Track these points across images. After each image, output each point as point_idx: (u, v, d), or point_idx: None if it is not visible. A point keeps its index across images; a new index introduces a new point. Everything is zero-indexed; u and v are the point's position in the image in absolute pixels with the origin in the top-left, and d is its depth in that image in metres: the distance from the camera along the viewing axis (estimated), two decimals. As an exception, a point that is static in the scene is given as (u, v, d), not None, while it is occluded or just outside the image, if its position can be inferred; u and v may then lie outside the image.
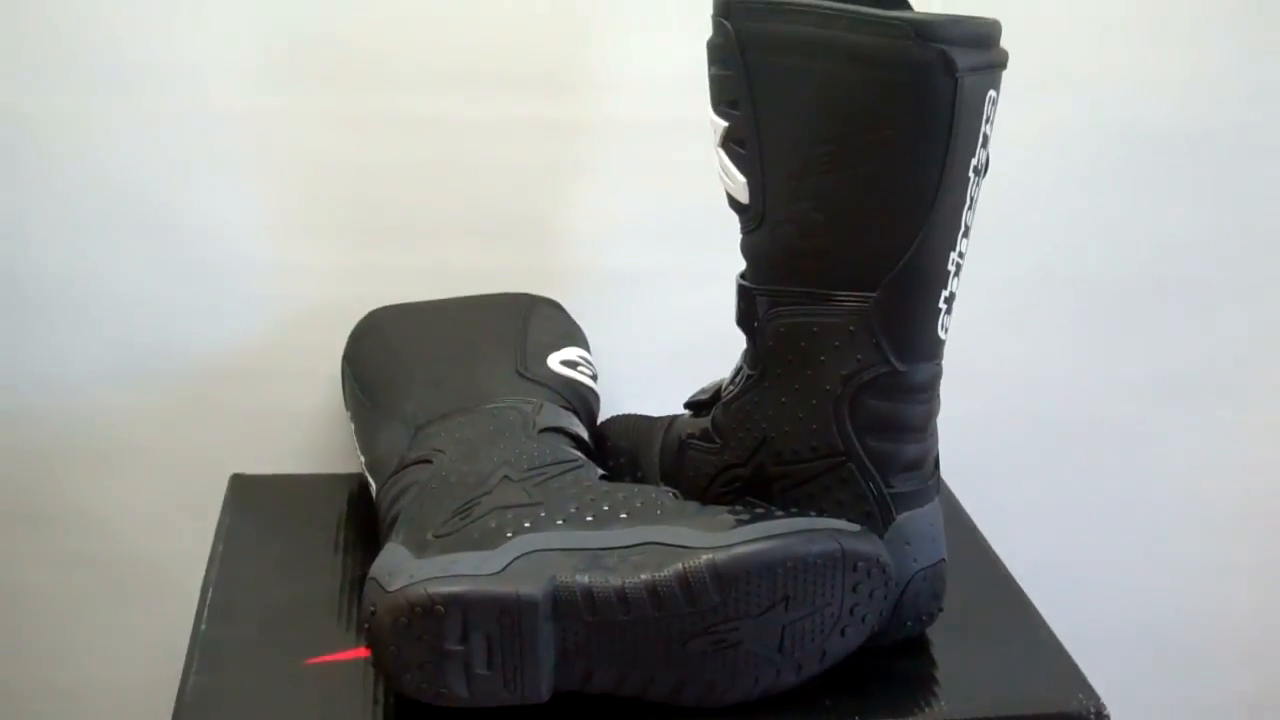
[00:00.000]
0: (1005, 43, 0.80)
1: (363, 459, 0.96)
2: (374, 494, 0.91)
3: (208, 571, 0.93)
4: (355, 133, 1.08)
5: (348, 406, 1.03)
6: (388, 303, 1.08)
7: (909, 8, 0.83)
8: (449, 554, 0.77)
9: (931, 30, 0.76)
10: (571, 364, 1.01)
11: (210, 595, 0.90)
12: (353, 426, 1.00)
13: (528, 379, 0.97)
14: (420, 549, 0.78)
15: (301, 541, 0.97)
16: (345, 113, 1.08)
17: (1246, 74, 1.14)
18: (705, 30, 0.83)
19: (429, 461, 0.87)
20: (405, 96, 1.08)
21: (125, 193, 1.07)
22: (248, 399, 1.13)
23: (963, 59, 0.76)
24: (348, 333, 1.06)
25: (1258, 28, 1.13)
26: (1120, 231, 1.17)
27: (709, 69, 0.84)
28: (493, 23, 1.07)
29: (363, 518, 0.98)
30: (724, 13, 0.82)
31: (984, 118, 0.79)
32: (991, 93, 0.79)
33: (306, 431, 1.13)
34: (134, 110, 1.05)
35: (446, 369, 0.98)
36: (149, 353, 1.11)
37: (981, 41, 0.78)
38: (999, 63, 0.80)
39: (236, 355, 1.12)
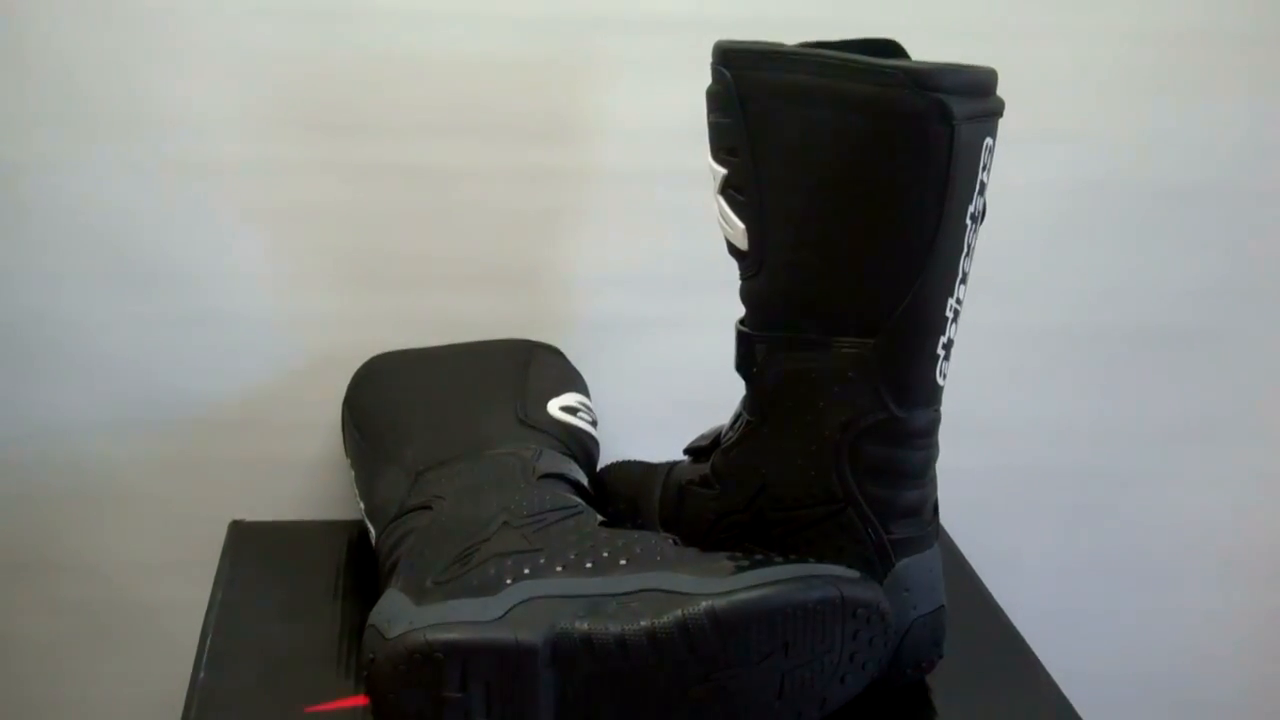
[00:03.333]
0: (1003, 91, 0.81)
1: (362, 505, 0.96)
2: (373, 541, 0.91)
3: (206, 619, 0.93)
4: (353, 181, 1.09)
5: (347, 453, 1.03)
6: (388, 350, 1.08)
7: (906, 56, 0.84)
8: (448, 601, 0.77)
9: (928, 79, 0.76)
10: (571, 410, 1.01)
11: (209, 642, 0.90)
12: (352, 473, 1.01)
13: (528, 425, 0.97)
14: (420, 596, 0.78)
15: (301, 588, 0.97)
16: (342, 161, 1.08)
17: (1248, 126, 1.14)
18: (704, 78, 0.84)
19: (428, 508, 0.87)
20: (403, 145, 1.09)
21: (123, 242, 1.08)
22: (247, 446, 1.13)
23: (959, 107, 0.77)
24: (348, 380, 1.07)
25: (1259, 82, 1.13)
26: (1121, 281, 1.18)
27: (708, 116, 0.85)
28: (491, 72, 1.07)
29: (362, 564, 0.98)
30: (723, 61, 0.83)
31: (981, 165, 0.80)
32: (988, 140, 0.80)
33: (306, 478, 1.13)
34: (132, 160, 1.06)
35: (446, 415, 0.99)
36: (148, 401, 1.12)
37: (978, 90, 0.79)
38: (995, 111, 0.80)
39: (236, 403, 1.12)
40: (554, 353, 1.09)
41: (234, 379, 1.12)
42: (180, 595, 1.03)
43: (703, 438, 0.94)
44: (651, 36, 1.07)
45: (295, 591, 0.97)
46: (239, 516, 1.08)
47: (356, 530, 1.02)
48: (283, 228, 1.09)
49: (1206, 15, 1.11)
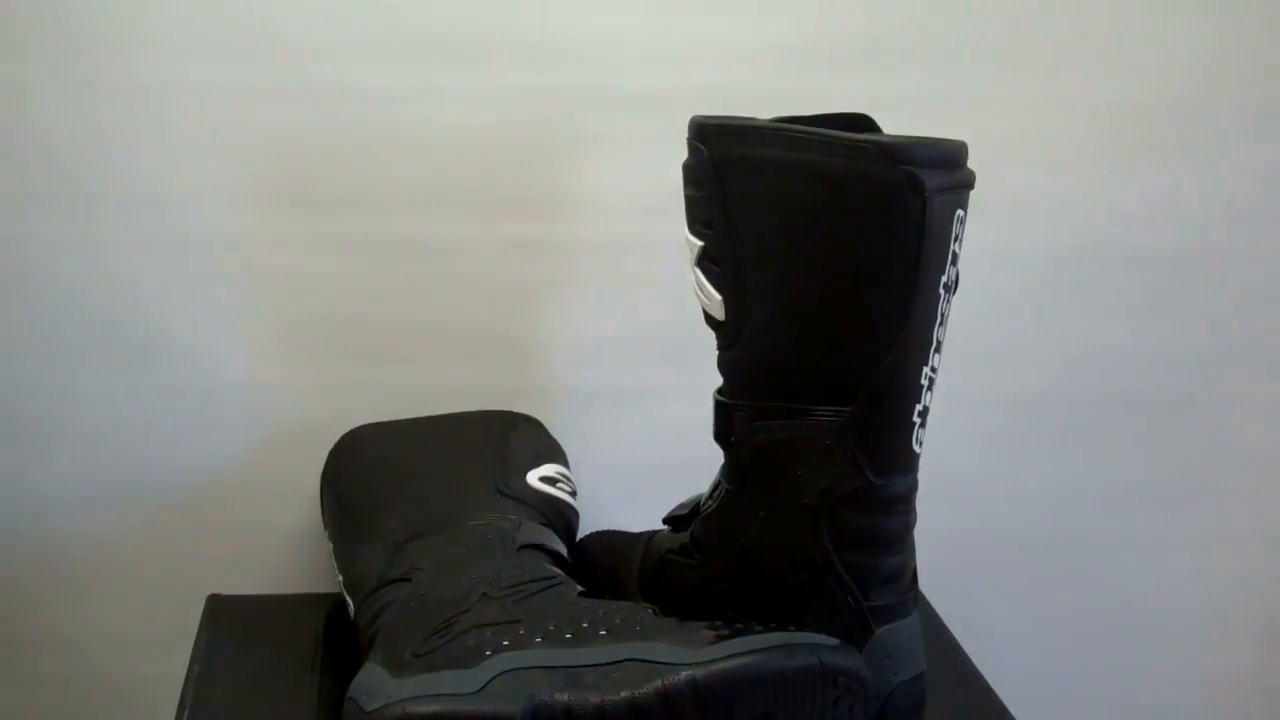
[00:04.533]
0: (974, 163, 0.82)
1: (341, 578, 0.96)
2: (352, 613, 0.91)
3: (184, 693, 0.92)
4: (335, 254, 1.09)
5: (326, 525, 1.03)
6: (367, 421, 1.08)
7: (879, 130, 0.85)
8: (427, 673, 0.77)
9: (900, 152, 0.78)
10: (551, 480, 1.01)
11: (186, 717, 0.89)
12: (331, 545, 1.00)
13: (507, 496, 0.97)
14: (399, 668, 0.78)
15: (279, 662, 0.97)
16: (325, 234, 1.09)
17: (1213, 195, 1.16)
18: (680, 152, 0.86)
19: (408, 580, 0.87)
20: (385, 219, 1.09)
21: (103, 316, 1.08)
22: (226, 519, 1.13)
23: (931, 180, 0.78)
24: (327, 452, 1.07)
25: (1226, 149, 1.15)
26: (1090, 348, 1.19)
27: (685, 190, 0.86)
28: (472, 146, 1.08)
29: (341, 638, 0.97)
30: (699, 136, 0.84)
31: (953, 236, 0.81)
32: (960, 212, 0.81)
33: (285, 551, 1.13)
34: (115, 234, 1.07)
35: (426, 487, 0.99)
36: (126, 475, 1.11)
37: (949, 163, 0.80)
38: (967, 183, 0.82)
39: (215, 476, 1.12)
40: (534, 424, 1.10)
41: (213, 451, 1.12)
42: (158, 670, 1.02)
43: (682, 506, 0.94)
44: (631, 112, 1.08)
45: (273, 665, 0.96)
46: (217, 590, 1.07)
47: (335, 603, 1.01)
48: (264, 300, 1.10)
49: (1168, 85, 1.13)
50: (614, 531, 1.01)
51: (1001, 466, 1.21)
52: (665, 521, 0.95)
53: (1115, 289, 1.17)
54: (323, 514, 1.05)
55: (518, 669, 0.76)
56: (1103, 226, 1.16)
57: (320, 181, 1.08)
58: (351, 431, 1.07)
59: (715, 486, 0.89)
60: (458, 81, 1.07)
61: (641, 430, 1.15)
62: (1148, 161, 1.15)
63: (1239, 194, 1.16)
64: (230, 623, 1.03)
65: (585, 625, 0.79)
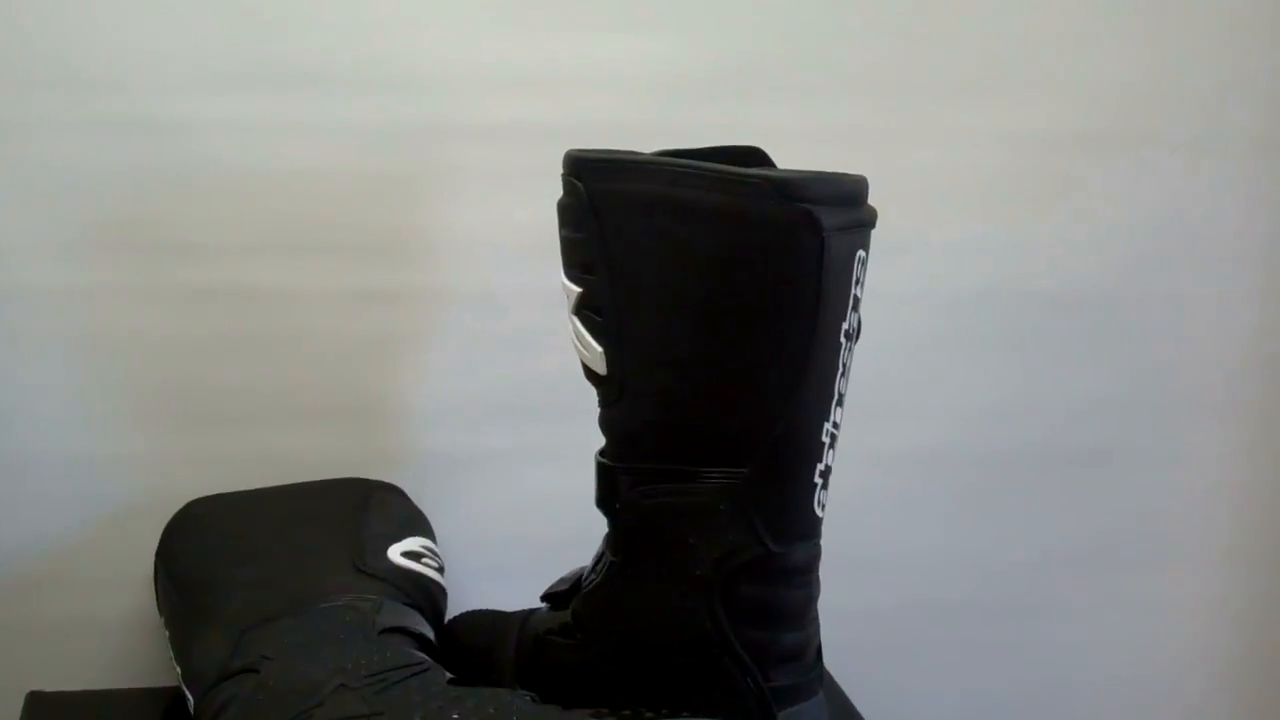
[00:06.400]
0: (874, 200, 0.83)
1: (179, 670, 0.94)
2: (192, 709, 0.89)
3: (-2, 807, 0.91)
4: (168, 307, 1.08)
5: (161, 611, 1.02)
6: (205, 494, 1.07)
7: (771, 164, 0.87)
8: (279, 776, 0.76)
9: (794, 188, 0.78)
10: (415, 555, 1.00)
11: (2, 834, 0.88)
12: (167, 633, 0.99)
13: (366, 574, 0.97)
14: (246, 771, 0.77)
15: (109, 768, 0.95)
16: (152, 285, 1.08)
17: (1136, 234, 1.19)
18: (553, 190, 0.86)
19: (254, 670, 0.86)
20: (223, 266, 1.09)
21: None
22: (48, 606, 1.11)
23: (828, 218, 0.79)
24: (161, 528, 1.05)
25: (1149, 183, 1.19)
26: (1004, 398, 1.21)
27: (560, 231, 0.86)
28: (322, 184, 1.08)
29: (179, 737, 0.96)
30: (574, 171, 0.84)
31: (854, 279, 0.82)
32: (861, 253, 0.82)
33: (115, 641, 1.11)
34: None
35: (273, 565, 0.98)
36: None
37: (848, 199, 0.81)
38: (868, 221, 0.83)
39: (35, 559, 1.10)
40: (394, 492, 1.09)
41: (32, 530, 1.10)
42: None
43: (562, 582, 0.94)
44: (496, 145, 1.08)
45: (103, 771, 0.95)
46: (37, 686, 1.05)
47: (173, 698, 1.00)
48: (86, 360, 1.08)
49: (1085, 115, 1.16)
50: (486, 611, 1.00)
51: (913, 530, 1.22)
52: (543, 599, 0.95)
53: (1031, 334, 1.20)
54: (157, 598, 1.03)
55: (381, 768, 0.76)
56: (1016, 267, 1.19)
57: (157, 225, 1.07)
58: (188, 505, 1.06)
59: (599, 558, 0.90)
60: (300, 114, 1.07)
61: (515, 498, 1.15)
62: (1063, 197, 1.18)
63: (1163, 232, 1.20)
64: (52, 724, 1.01)
65: (455, 717, 0.79)
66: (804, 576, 0.85)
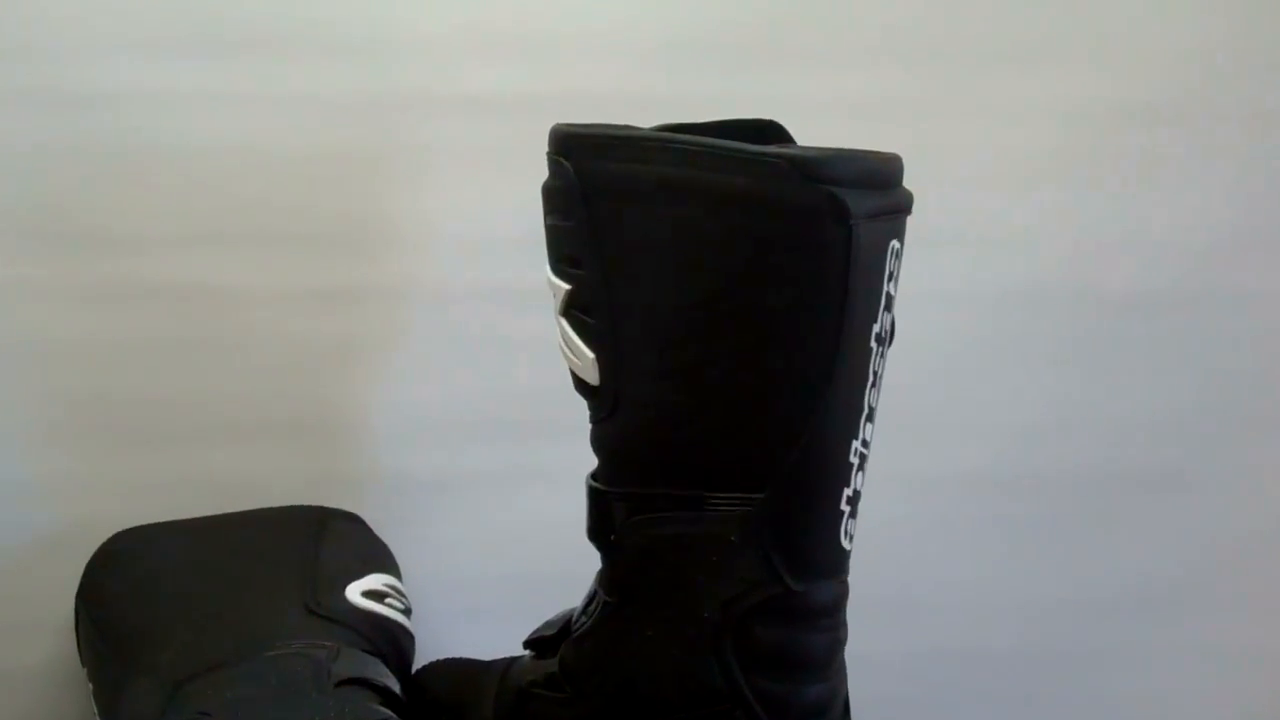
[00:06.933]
0: (910, 183, 0.83)
1: (103, 729, 0.94)
2: (118, 774, 0.90)
3: None
4: (90, 306, 1.08)
5: (83, 660, 1.02)
6: (136, 524, 1.07)
7: (791, 140, 0.86)
8: None
9: (817, 168, 0.78)
10: (377, 595, 1.00)
11: None
12: (90, 686, 0.99)
13: (320, 616, 0.96)
14: (180, 847, 0.77)
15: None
16: (73, 282, 1.08)
17: (1209, 221, 1.19)
18: (538, 171, 0.86)
19: (192, 729, 0.86)
20: (152, 259, 1.09)
21: None
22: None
23: (857, 203, 0.78)
24: (82, 565, 1.05)
25: (1222, 164, 1.18)
26: (1060, 414, 1.21)
27: (545, 219, 0.86)
28: (272, 165, 1.08)
29: (104, 807, 0.96)
30: (562, 149, 0.84)
31: (886, 274, 0.81)
32: (894, 244, 0.82)
33: (29, 694, 1.11)
34: None
35: (213, 607, 0.97)
36: None
37: (880, 181, 0.81)
38: (902, 206, 0.82)
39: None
40: (353, 521, 1.09)
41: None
42: None
43: (548, 626, 0.94)
44: (472, 119, 1.08)
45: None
46: (-62, 748, 1.05)
47: (96, 762, 1.00)
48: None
49: (1152, 86, 1.16)
50: (460, 660, 1.00)
51: (954, 566, 1.22)
52: (526, 645, 0.95)
53: (1090, 339, 1.20)
54: (79, 645, 1.03)
55: (337, 842, 0.75)
56: (1072, 262, 1.18)
57: (67, 215, 1.07)
58: (114, 538, 1.06)
59: (590, 599, 0.89)
60: (244, 84, 1.07)
61: (493, 528, 1.15)
62: (1124, 180, 1.18)
63: (1244, 222, 1.19)
64: (-45, 792, 1.01)
65: (424, 783, 0.78)
66: (829, 619, 0.85)
